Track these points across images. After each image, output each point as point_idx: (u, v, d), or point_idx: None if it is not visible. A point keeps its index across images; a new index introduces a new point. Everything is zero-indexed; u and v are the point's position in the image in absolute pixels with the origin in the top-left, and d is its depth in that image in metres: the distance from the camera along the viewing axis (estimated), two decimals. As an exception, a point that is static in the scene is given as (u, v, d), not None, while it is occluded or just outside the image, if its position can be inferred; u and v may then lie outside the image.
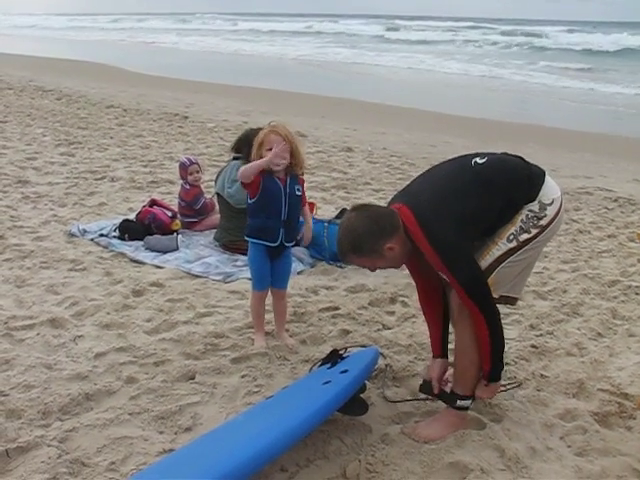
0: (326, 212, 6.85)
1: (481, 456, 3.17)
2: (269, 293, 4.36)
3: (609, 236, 6.89)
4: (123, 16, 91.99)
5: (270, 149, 3.93)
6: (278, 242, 4.11)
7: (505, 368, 3.99)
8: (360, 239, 3.22)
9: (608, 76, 24.68)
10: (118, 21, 77.97)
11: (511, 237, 3.23)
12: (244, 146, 5.41)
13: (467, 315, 3.25)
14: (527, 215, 3.24)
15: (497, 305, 3.27)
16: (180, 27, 64.07)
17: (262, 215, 4.07)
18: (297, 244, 5.91)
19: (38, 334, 4.24)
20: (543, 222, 3.24)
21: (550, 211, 3.24)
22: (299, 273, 5.52)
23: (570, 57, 32.21)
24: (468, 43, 44.20)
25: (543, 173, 3.34)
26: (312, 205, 6.55)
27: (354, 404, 3.27)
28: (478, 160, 3.33)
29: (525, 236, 3.23)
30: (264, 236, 4.11)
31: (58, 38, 46.50)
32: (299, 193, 4.14)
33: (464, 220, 3.18)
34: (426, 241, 3.15)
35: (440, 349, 3.60)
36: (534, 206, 3.25)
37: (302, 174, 4.22)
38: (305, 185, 4.34)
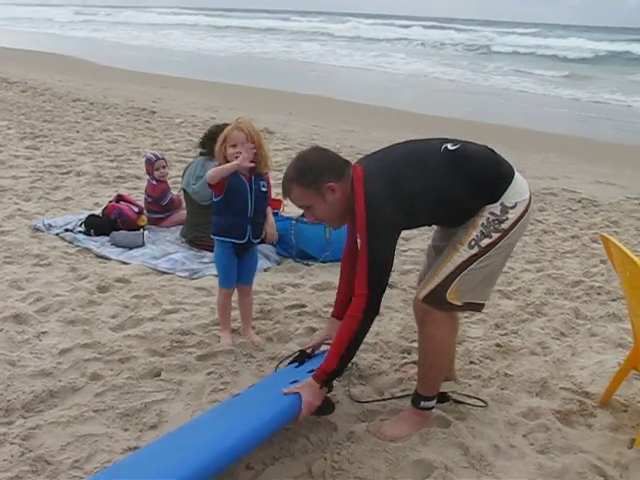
0: (293, 209, 6.81)
1: (445, 454, 3.20)
2: (235, 290, 4.36)
3: (573, 237, 6.99)
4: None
5: (234, 145, 3.93)
6: (246, 239, 4.11)
7: (470, 367, 4.06)
8: (306, 167, 3.26)
9: (570, 81, 24.92)
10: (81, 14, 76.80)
11: (472, 243, 3.18)
12: (210, 142, 5.39)
13: (432, 320, 3.26)
14: (488, 219, 3.17)
15: (461, 312, 3.28)
16: (141, 21, 63.05)
17: (228, 213, 4.06)
18: (262, 242, 5.93)
19: (1, 330, 4.19)
20: (504, 225, 3.17)
21: (512, 214, 3.16)
22: (265, 270, 5.52)
23: (538, 62, 32.45)
24: (427, 44, 44.34)
25: (512, 174, 3.25)
26: (279, 202, 6.54)
27: (321, 403, 3.28)
28: (449, 146, 3.24)
29: (487, 241, 3.17)
30: (231, 233, 4.10)
31: (22, 30, 45.75)
32: (264, 189, 4.14)
33: (414, 200, 3.13)
34: (363, 205, 3.09)
35: (340, 311, 3.49)
36: (496, 209, 3.17)
37: (267, 172, 4.20)
38: (271, 182, 4.34)
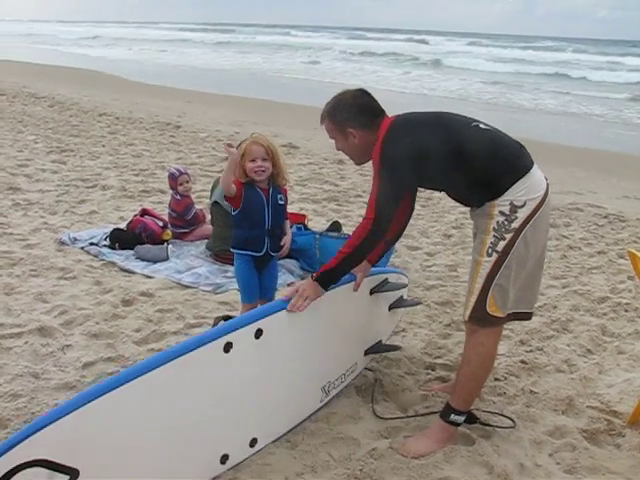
0: (317, 224, 6.85)
1: (470, 472, 3.17)
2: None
3: (599, 252, 6.91)
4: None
5: (253, 160, 3.95)
6: (263, 251, 4.09)
7: (494, 384, 4.02)
8: (339, 108, 3.50)
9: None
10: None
11: (490, 251, 3.21)
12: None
13: (480, 333, 3.30)
14: (498, 222, 3.19)
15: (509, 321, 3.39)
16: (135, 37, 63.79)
17: (246, 226, 4.07)
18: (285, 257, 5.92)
19: (26, 342, 4.22)
20: (515, 225, 3.18)
21: (522, 213, 3.17)
22: (289, 285, 5.51)
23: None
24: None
25: (528, 168, 3.27)
26: (303, 217, 6.56)
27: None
28: (481, 125, 3.37)
29: (502, 244, 3.19)
30: (249, 246, 4.09)
31: (51, 45, 46.38)
32: (282, 202, 4.14)
33: (428, 155, 3.24)
34: (380, 142, 3.33)
35: (374, 257, 3.76)
36: (504, 207, 3.18)
37: (285, 184, 4.22)
38: (289, 196, 4.35)
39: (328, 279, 3.37)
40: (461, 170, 3.27)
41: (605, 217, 8.33)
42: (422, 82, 27.83)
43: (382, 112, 3.51)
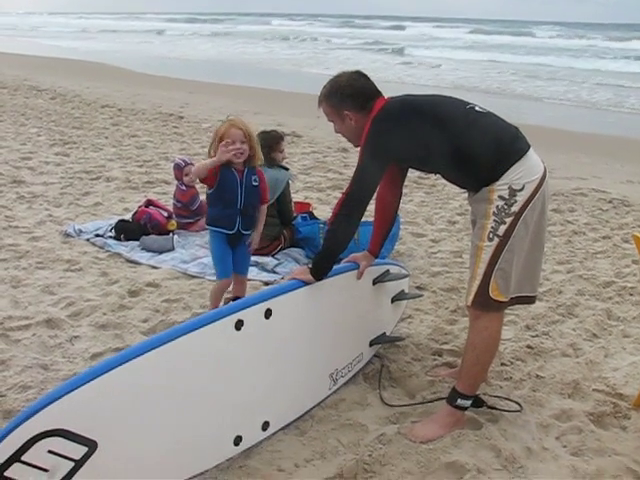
0: (322, 212, 6.85)
1: (478, 456, 3.19)
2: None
3: (604, 237, 6.91)
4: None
5: (232, 142, 4.07)
6: (235, 229, 4.25)
7: (501, 369, 4.03)
8: (335, 90, 3.55)
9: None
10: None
11: (491, 235, 3.22)
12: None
13: (484, 317, 3.32)
14: (497, 206, 3.20)
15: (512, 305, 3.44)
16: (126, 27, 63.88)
17: (219, 204, 4.23)
18: (292, 246, 5.96)
19: (34, 334, 4.24)
20: (515, 208, 3.19)
21: (521, 197, 3.18)
22: (295, 273, 5.52)
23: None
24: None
25: (524, 151, 3.27)
26: (308, 205, 6.57)
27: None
28: (476, 108, 3.39)
29: (503, 228, 3.20)
30: (222, 224, 4.25)
31: (51, 37, 46.31)
32: (256, 184, 4.29)
33: (419, 133, 3.29)
34: (371, 120, 3.39)
35: (375, 248, 3.86)
36: (503, 192, 3.19)
37: (260, 165, 4.36)
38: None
39: (319, 263, 3.42)
40: (455, 154, 3.28)
41: (609, 202, 8.32)
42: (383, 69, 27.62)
43: (377, 93, 3.55)
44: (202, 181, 4.22)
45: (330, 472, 3.07)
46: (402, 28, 66.54)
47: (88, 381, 2.46)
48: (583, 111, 17.53)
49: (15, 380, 3.67)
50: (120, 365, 2.54)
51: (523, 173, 3.20)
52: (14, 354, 3.97)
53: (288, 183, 5.94)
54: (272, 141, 5.78)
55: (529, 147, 3.31)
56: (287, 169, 6.02)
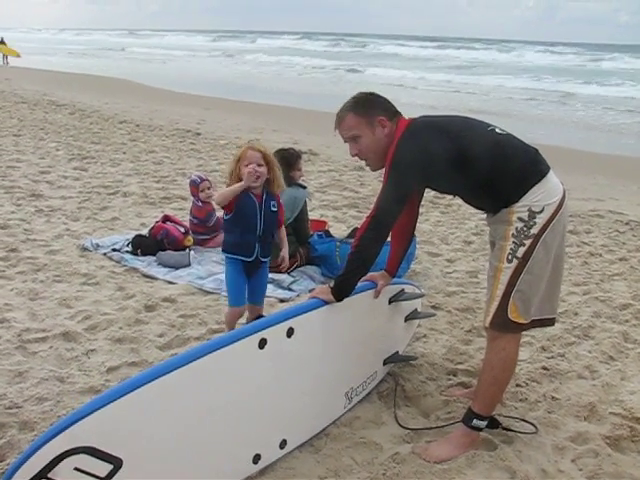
0: (337, 231, 6.87)
1: (492, 477, 3.17)
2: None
3: (620, 259, 6.88)
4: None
5: (248, 164, 4.01)
6: (254, 257, 4.13)
7: (516, 390, 4.01)
8: (364, 99, 3.51)
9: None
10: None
11: (510, 257, 3.21)
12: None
13: (502, 338, 3.31)
14: (517, 228, 3.19)
15: (533, 327, 3.41)
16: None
17: (237, 231, 4.11)
18: (309, 263, 5.97)
19: (51, 347, 4.27)
20: (534, 230, 3.18)
21: (540, 219, 3.17)
22: (310, 291, 5.52)
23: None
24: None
25: (544, 173, 3.26)
26: (324, 223, 6.59)
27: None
28: (497, 130, 3.39)
29: (522, 250, 3.19)
30: (240, 251, 4.13)
31: (70, 52, 46.75)
32: (275, 209, 4.17)
33: (443, 156, 3.24)
34: (396, 142, 3.33)
35: (392, 268, 3.84)
36: (523, 214, 3.19)
37: (279, 192, 4.25)
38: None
39: (341, 284, 3.39)
40: (476, 176, 3.29)
41: (627, 224, 8.29)
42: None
43: (398, 111, 3.54)
44: (221, 205, 4.15)
45: (344, 490, 3.06)
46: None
47: (115, 399, 2.46)
48: (600, 133, 17.49)
49: (32, 392, 3.69)
50: (146, 384, 2.54)
51: (543, 195, 3.20)
52: (31, 366, 3.99)
53: (305, 202, 5.96)
54: (291, 159, 5.81)
55: (549, 169, 3.30)
56: (304, 187, 6.04)
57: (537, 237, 3.19)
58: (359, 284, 3.52)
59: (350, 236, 6.17)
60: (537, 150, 3.38)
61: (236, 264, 4.16)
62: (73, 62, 37.58)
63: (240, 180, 4.03)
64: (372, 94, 3.54)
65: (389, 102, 3.53)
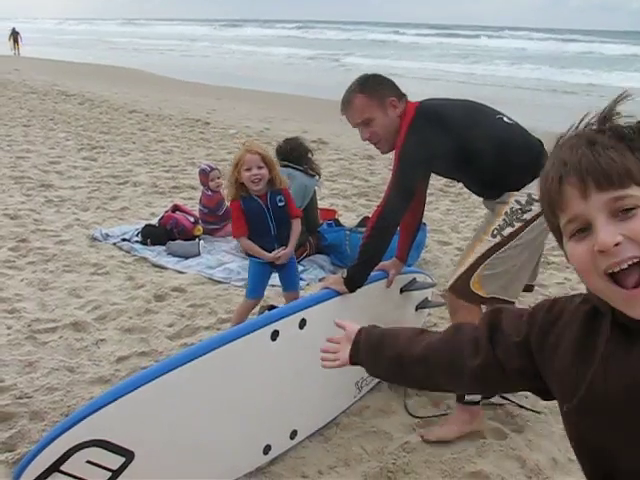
0: (347, 220, 6.85)
1: (502, 466, 3.16)
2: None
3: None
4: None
5: (248, 169, 3.92)
6: None
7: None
8: (371, 79, 3.44)
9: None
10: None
11: (495, 232, 3.22)
12: (296, 154, 5.58)
13: (460, 310, 3.31)
14: (512, 208, 3.20)
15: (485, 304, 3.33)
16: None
17: (253, 236, 4.07)
18: (318, 253, 5.95)
19: (61, 337, 4.28)
20: (527, 216, 3.17)
21: (537, 207, 3.11)
22: (320, 280, 5.52)
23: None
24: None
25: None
26: (334, 212, 6.57)
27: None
28: (505, 119, 3.37)
29: (509, 230, 3.19)
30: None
31: (78, 41, 46.78)
32: (282, 204, 4.08)
33: (451, 144, 3.21)
34: (406, 128, 3.28)
35: (403, 253, 3.80)
36: (522, 197, 3.20)
37: (282, 187, 4.14)
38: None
39: (354, 275, 3.38)
40: (480, 169, 3.30)
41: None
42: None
43: (404, 93, 3.50)
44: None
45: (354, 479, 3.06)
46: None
47: (128, 392, 2.46)
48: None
49: (42, 382, 3.70)
50: (159, 377, 2.54)
51: None
52: (41, 356, 4.01)
53: (315, 190, 5.94)
54: (300, 149, 5.83)
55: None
56: (313, 176, 5.98)
57: (527, 223, 3.19)
58: (371, 274, 3.51)
59: (360, 225, 6.15)
60: (542, 142, 3.36)
61: (260, 262, 4.14)
62: (80, 52, 37.56)
63: (241, 185, 3.98)
64: (377, 75, 3.50)
65: (394, 83, 3.50)
